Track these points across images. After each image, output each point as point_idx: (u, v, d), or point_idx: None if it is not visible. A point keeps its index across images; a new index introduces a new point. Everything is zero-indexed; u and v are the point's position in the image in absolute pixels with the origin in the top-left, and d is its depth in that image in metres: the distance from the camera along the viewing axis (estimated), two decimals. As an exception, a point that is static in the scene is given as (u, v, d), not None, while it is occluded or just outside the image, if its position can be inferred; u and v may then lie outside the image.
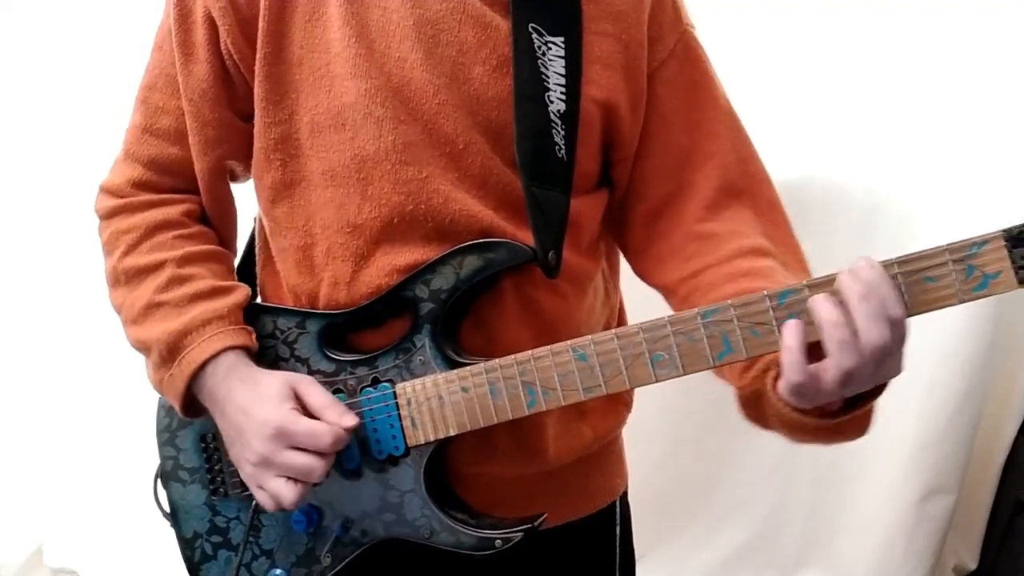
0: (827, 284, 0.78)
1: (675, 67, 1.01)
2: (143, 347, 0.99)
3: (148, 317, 0.98)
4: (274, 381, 0.92)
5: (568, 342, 0.87)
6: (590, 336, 0.87)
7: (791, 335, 0.77)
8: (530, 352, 0.89)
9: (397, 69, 0.93)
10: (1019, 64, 1.65)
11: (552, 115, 0.94)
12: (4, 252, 2.36)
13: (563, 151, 0.95)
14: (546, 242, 0.94)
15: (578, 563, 1.12)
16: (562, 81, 0.94)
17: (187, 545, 1.05)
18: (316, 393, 0.92)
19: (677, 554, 2.04)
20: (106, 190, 1.06)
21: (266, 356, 0.98)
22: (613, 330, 0.86)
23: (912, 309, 0.76)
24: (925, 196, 1.74)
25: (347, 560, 0.98)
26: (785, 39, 1.76)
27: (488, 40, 0.94)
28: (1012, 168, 1.67)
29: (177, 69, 0.99)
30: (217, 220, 1.07)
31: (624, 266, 1.13)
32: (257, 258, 1.10)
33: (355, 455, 0.96)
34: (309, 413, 0.91)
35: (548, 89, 0.94)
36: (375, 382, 0.95)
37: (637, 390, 1.08)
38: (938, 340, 1.73)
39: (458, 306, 0.94)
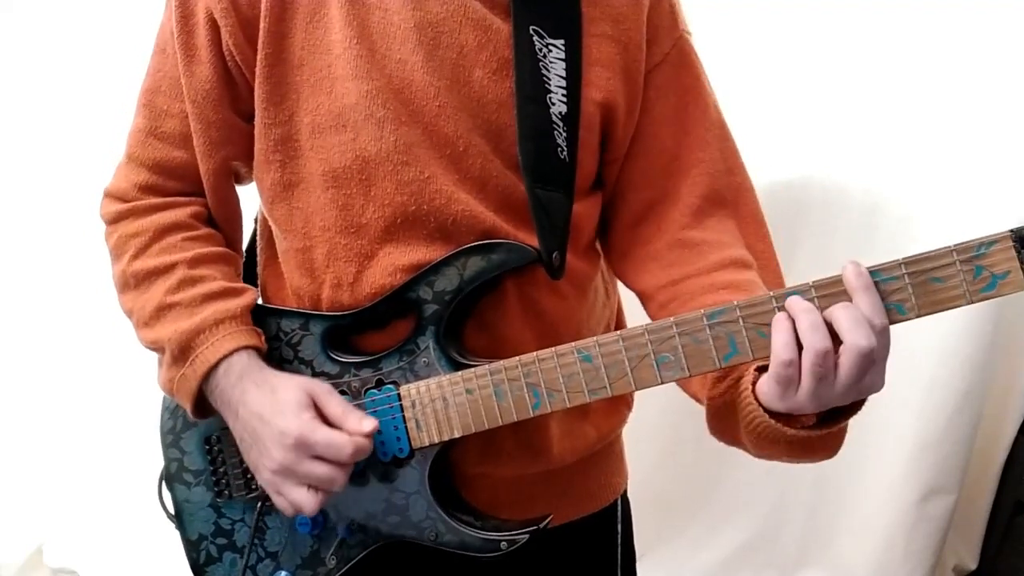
0: (833, 285, 0.78)
1: (669, 72, 1.01)
2: (156, 348, 0.99)
3: (160, 319, 0.97)
4: (292, 388, 0.91)
5: (572, 344, 0.87)
6: (595, 338, 0.86)
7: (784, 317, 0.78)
8: (534, 354, 0.89)
9: (398, 71, 0.93)
10: (1019, 64, 1.66)
11: (554, 117, 0.94)
12: (4, 253, 2.35)
13: (565, 153, 0.95)
14: (550, 244, 0.94)
15: (580, 562, 1.13)
16: (563, 83, 0.94)
17: (192, 547, 1.05)
18: (334, 402, 0.91)
19: (677, 554, 2.05)
20: (111, 195, 1.06)
21: (270, 358, 0.98)
22: (618, 332, 0.86)
23: (920, 310, 0.76)
24: (925, 196, 1.74)
25: (352, 562, 0.98)
26: (785, 39, 1.77)
27: (488, 42, 0.94)
28: (1012, 168, 1.67)
29: (180, 71, 0.99)
30: (223, 222, 1.07)
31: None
32: (259, 259, 1.10)
33: (359, 457, 0.96)
34: (327, 421, 0.90)
35: (550, 91, 0.94)
36: (379, 384, 0.95)
37: (638, 390, 1.09)
38: (938, 340, 1.74)
39: (461, 307, 0.94)
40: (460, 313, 0.94)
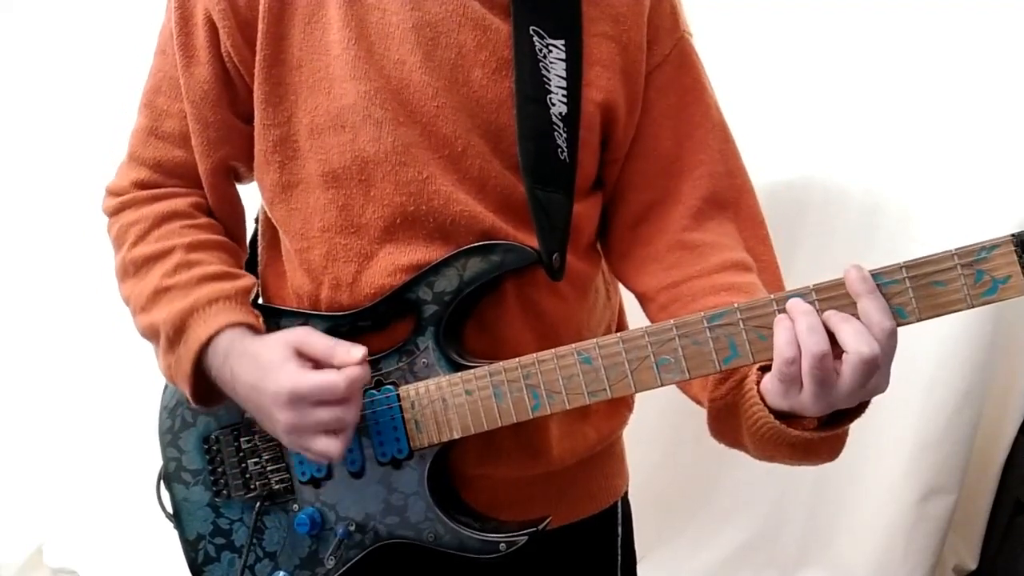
0: (834, 288, 0.78)
1: (669, 72, 1.01)
2: (152, 333, 0.98)
3: (156, 302, 0.96)
4: (271, 347, 0.90)
5: (572, 345, 0.87)
6: (595, 339, 0.86)
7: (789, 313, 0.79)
8: (534, 355, 0.88)
9: (396, 71, 0.93)
10: (1019, 64, 1.66)
11: (554, 117, 0.94)
12: (4, 253, 2.35)
13: (565, 153, 0.95)
14: (551, 245, 0.94)
15: (580, 564, 1.12)
16: (563, 84, 0.94)
17: (190, 547, 1.05)
18: (317, 341, 0.90)
19: (677, 554, 2.05)
20: (111, 192, 1.07)
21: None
22: (618, 333, 0.86)
23: (921, 314, 0.76)
24: (925, 196, 1.74)
25: (351, 563, 0.97)
26: (786, 40, 1.76)
27: (487, 43, 0.94)
28: (1012, 169, 1.67)
29: (179, 71, 0.99)
30: (224, 219, 1.07)
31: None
32: (260, 257, 1.10)
33: (358, 457, 0.96)
34: (318, 363, 0.89)
35: (550, 92, 0.94)
36: (379, 384, 0.95)
37: (638, 391, 1.09)
38: (938, 340, 1.73)
39: (461, 308, 0.94)
40: (460, 314, 0.94)
